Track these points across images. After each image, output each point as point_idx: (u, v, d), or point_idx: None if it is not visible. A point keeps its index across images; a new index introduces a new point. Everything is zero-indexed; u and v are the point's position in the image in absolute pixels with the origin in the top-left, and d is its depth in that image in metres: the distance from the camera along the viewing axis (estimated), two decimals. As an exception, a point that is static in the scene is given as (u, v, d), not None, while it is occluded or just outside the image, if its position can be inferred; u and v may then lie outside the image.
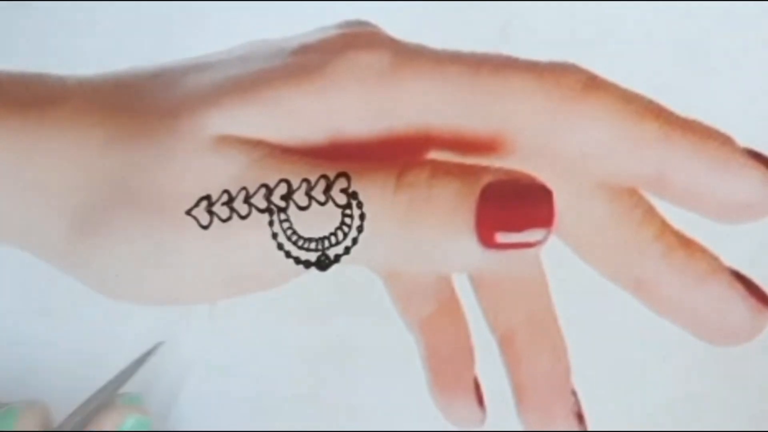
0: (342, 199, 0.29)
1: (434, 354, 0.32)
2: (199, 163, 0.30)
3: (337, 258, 0.30)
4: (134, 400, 0.30)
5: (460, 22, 0.33)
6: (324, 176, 0.29)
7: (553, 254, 0.31)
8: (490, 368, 0.32)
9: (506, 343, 0.32)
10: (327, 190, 0.29)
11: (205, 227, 0.30)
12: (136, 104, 0.31)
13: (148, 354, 0.30)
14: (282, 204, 0.30)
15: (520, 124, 0.29)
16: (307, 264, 0.30)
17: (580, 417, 0.32)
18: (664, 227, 0.31)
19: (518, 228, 0.29)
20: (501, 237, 0.29)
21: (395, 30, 0.32)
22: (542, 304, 0.32)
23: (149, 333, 0.32)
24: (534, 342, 0.32)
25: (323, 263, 0.30)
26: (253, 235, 0.30)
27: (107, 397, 0.29)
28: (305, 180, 0.29)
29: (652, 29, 0.32)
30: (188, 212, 0.30)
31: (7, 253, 0.31)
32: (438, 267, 0.31)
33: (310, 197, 0.30)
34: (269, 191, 0.30)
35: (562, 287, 0.32)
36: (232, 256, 0.30)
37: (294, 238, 0.30)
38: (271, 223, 0.30)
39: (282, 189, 0.30)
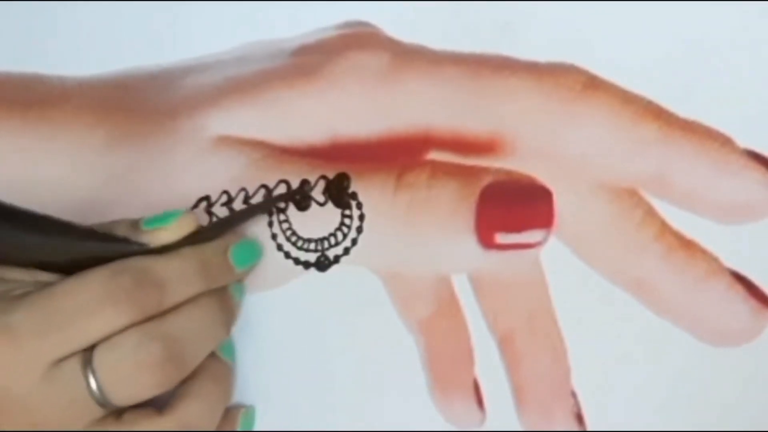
0: (341, 200, 0.30)
1: (434, 355, 0.33)
2: (199, 163, 0.30)
3: (337, 259, 0.30)
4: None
5: (460, 22, 0.33)
6: (323, 177, 0.30)
7: (553, 255, 0.31)
8: (489, 369, 0.32)
9: (506, 344, 0.32)
10: (326, 191, 0.30)
11: (204, 228, 0.30)
12: (136, 105, 0.31)
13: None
14: (281, 205, 0.30)
15: (520, 125, 0.30)
16: (307, 265, 0.30)
17: (579, 418, 0.32)
18: (664, 228, 0.31)
19: (518, 229, 0.29)
20: (501, 238, 0.29)
21: (395, 30, 0.32)
22: (542, 305, 0.32)
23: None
24: (533, 343, 0.32)
25: (323, 264, 0.30)
26: (251, 235, 0.30)
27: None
28: (305, 181, 0.30)
29: (652, 29, 0.32)
30: (187, 213, 0.30)
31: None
32: (438, 267, 0.31)
33: (310, 198, 0.30)
34: (269, 192, 0.30)
35: (562, 288, 0.32)
36: (231, 256, 0.30)
37: (293, 238, 0.30)
38: (270, 224, 0.30)
39: (281, 190, 0.30)
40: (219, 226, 0.29)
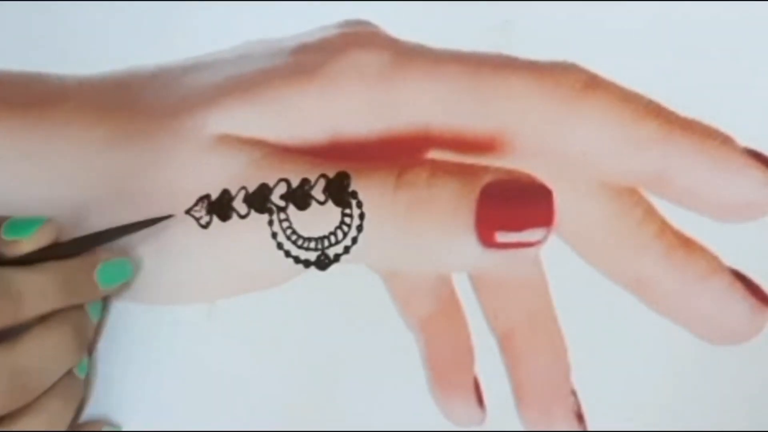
0: (342, 198, 0.30)
1: (434, 353, 0.33)
2: (199, 162, 0.30)
3: (337, 257, 0.30)
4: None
5: (460, 22, 0.33)
6: (323, 175, 0.30)
7: (553, 254, 0.31)
8: (490, 367, 0.32)
9: (506, 343, 0.32)
10: (327, 189, 0.30)
11: (204, 227, 0.30)
12: (136, 104, 0.31)
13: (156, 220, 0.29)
14: (281, 203, 0.30)
15: (520, 124, 0.30)
16: (307, 263, 0.30)
17: (579, 416, 0.32)
18: (664, 226, 0.31)
19: (518, 227, 0.29)
20: (501, 236, 0.29)
21: (395, 29, 0.32)
22: (542, 303, 0.32)
23: (146, 333, 0.32)
24: (534, 341, 0.32)
25: (323, 262, 0.30)
26: (252, 234, 0.30)
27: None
28: (305, 179, 0.30)
29: (653, 29, 0.32)
30: (188, 212, 0.30)
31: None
32: (438, 266, 0.31)
33: (310, 196, 0.30)
34: (269, 191, 0.30)
35: (562, 286, 0.32)
36: (231, 255, 0.30)
37: (293, 237, 0.30)
38: (270, 223, 0.30)
39: (282, 188, 0.30)
40: (84, 241, 0.29)
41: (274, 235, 0.30)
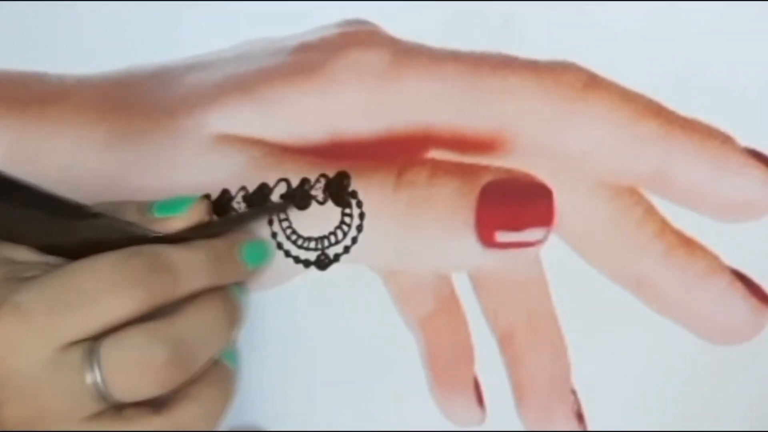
0: (341, 198, 0.30)
1: (434, 353, 0.33)
2: (199, 161, 0.30)
3: (337, 257, 0.30)
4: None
5: (460, 21, 0.33)
6: (323, 175, 0.30)
7: (553, 253, 0.31)
8: (490, 367, 0.32)
9: (506, 342, 0.32)
10: (326, 189, 0.30)
11: (204, 226, 0.30)
12: (136, 103, 0.31)
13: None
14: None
15: (520, 123, 0.30)
16: (307, 263, 0.30)
17: (579, 416, 0.32)
18: (664, 226, 0.31)
19: (518, 227, 0.29)
20: (501, 236, 0.29)
21: (395, 29, 0.32)
22: (542, 303, 0.32)
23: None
24: (534, 341, 0.32)
25: (323, 262, 0.30)
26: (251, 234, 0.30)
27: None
28: (305, 179, 0.30)
29: (653, 29, 0.32)
30: (187, 211, 0.30)
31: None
32: (438, 266, 0.31)
33: (310, 196, 0.30)
34: (269, 190, 0.30)
35: (562, 286, 0.32)
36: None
37: (293, 237, 0.30)
38: (270, 222, 0.30)
39: (281, 188, 0.30)
40: (229, 221, 0.29)
41: (273, 235, 0.30)
